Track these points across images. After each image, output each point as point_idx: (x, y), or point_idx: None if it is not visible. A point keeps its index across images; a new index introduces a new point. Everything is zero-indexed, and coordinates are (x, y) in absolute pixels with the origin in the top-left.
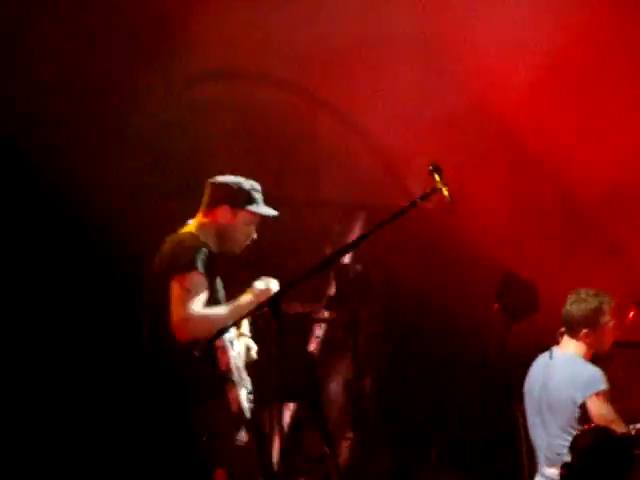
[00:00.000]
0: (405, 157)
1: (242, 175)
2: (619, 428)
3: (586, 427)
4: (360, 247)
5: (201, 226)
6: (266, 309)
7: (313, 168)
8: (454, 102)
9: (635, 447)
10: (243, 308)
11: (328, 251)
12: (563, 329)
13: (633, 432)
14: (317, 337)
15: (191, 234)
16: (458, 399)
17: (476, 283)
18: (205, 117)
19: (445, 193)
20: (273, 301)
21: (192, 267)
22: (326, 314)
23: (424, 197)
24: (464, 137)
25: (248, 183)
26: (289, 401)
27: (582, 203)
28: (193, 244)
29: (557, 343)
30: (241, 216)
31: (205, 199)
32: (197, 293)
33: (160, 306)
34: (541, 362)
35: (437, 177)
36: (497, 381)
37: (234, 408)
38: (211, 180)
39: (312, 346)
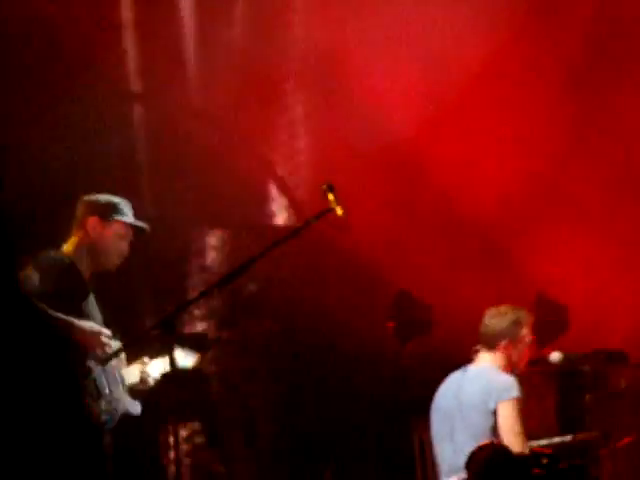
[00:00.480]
0: (287, 173)
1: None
2: (521, 442)
3: (481, 444)
4: (254, 267)
5: (73, 244)
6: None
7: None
8: (340, 116)
9: (530, 466)
10: (72, 328)
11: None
12: (478, 346)
13: (527, 451)
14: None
15: (53, 251)
16: (354, 416)
17: (371, 302)
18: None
19: (339, 212)
20: (167, 321)
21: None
22: (222, 334)
23: (318, 216)
24: (354, 156)
25: (118, 198)
26: (185, 420)
27: (474, 220)
28: (44, 252)
29: (470, 361)
30: (112, 228)
31: (75, 218)
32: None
33: None
34: (453, 377)
35: (331, 196)
36: (391, 399)
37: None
38: (81, 198)
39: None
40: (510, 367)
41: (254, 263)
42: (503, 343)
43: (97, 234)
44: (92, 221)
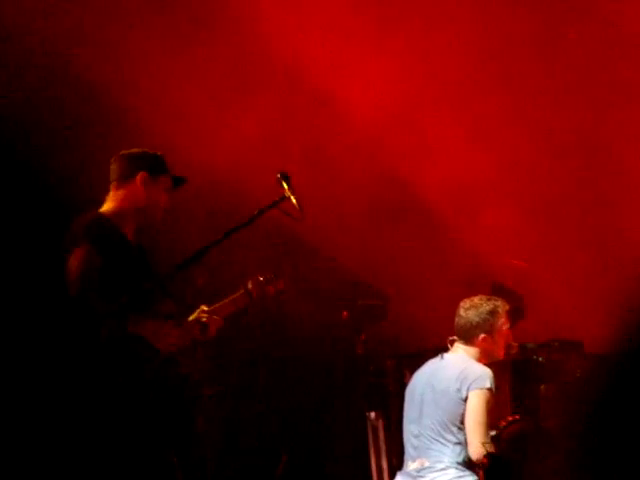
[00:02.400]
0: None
1: None
2: (483, 432)
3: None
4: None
5: (116, 202)
6: None
7: None
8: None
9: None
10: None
11: None
12: (454, 337)
13: (486, 441)
14: None
15: (94, 211)
16: (307, 406)
17: (326, 290)
18: None
19: (294, 201)
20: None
21: (81, 242)
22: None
23: (273, 205)
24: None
25: (154, 152)
26: None
27: (429, 209)
28: (87, 218)
29: (445, 351)
30: (161, 182)
31: (116, 174)
32: (88, 267)
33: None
34: (429, 363)
35: (285, 185)
36: (346, 389)
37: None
38: (115, 156)
39: None
40: (487, 359)
41: (209, 250)
42: (482, 337)
43: (147, 190)
44: (141, 177)
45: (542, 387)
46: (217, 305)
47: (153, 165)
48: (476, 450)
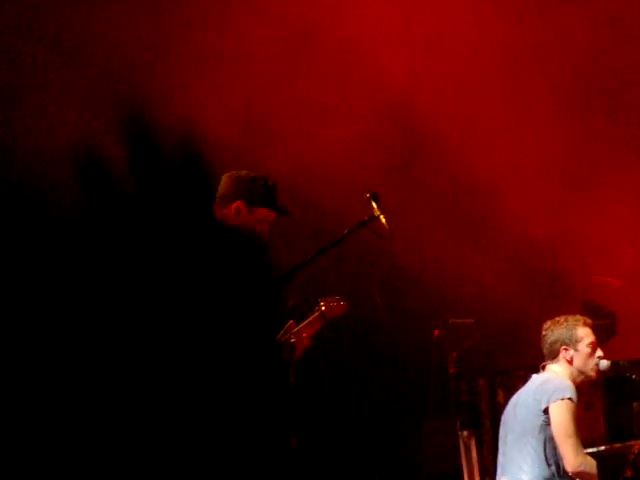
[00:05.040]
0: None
1: None
2: (574, 445)
3: None
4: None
5: (217, 217)
6: None
7: None
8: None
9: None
10: None
11: None
12: (545, 363)
13: (580, 454)
14: None
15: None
16: (400, 426)
17: (418, 309)
18: None
19: (383, 221)
20: None
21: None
22: None
23: (362, 224)
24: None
25: (263, 179)
26: None
27: (514, 231)
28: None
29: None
30: (256, 213)
31: (219, 192)
32: None
33: None
34: (521, 388)
35: (374, 204)
36: (439, 408)
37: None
38: (227, 173)
39: None
40: (577, 376)
41: (299, 270)
42: (562, 349)
43: (241, 218)
44: (236, 205)
45: (635, 405)
46: (300, 326)
47: (252, 195)
48: (570, 462)
